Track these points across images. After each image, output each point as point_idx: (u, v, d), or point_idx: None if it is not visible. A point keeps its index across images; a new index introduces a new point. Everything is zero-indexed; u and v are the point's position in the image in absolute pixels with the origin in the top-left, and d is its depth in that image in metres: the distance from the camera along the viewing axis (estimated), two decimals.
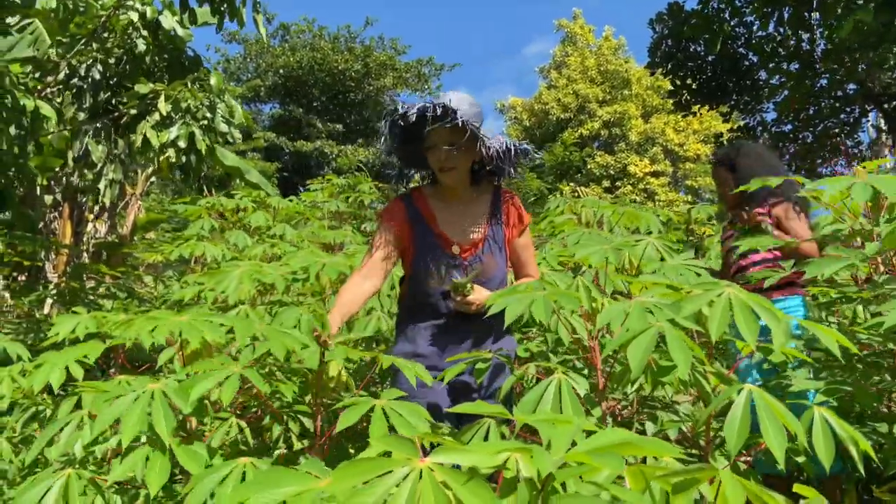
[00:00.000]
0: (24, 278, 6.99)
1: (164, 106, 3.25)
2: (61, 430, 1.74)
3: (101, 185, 3.50)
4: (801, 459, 1.76)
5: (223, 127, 3.44)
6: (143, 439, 1.65)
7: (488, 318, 2.15)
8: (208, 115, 3.39)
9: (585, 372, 2.22)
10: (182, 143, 3.26)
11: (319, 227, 6.16)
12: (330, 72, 24.94)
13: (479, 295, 2.07)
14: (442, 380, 1.97)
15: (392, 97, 26.00)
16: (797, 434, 1.38)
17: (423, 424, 1.64)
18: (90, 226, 7.42)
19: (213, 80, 3.45)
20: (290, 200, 6.12)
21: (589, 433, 1.14)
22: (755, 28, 10.01)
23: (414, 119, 2.06)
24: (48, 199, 6.99)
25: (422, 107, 2.03)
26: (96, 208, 7.28)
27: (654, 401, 2.52)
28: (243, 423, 2.36)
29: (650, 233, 3.90)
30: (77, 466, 1.80)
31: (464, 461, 0.94)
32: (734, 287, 1.57)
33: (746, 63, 10.63)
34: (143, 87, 3.29)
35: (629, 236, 4.32)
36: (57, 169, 6.74)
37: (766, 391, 1.41)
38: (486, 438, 1.68)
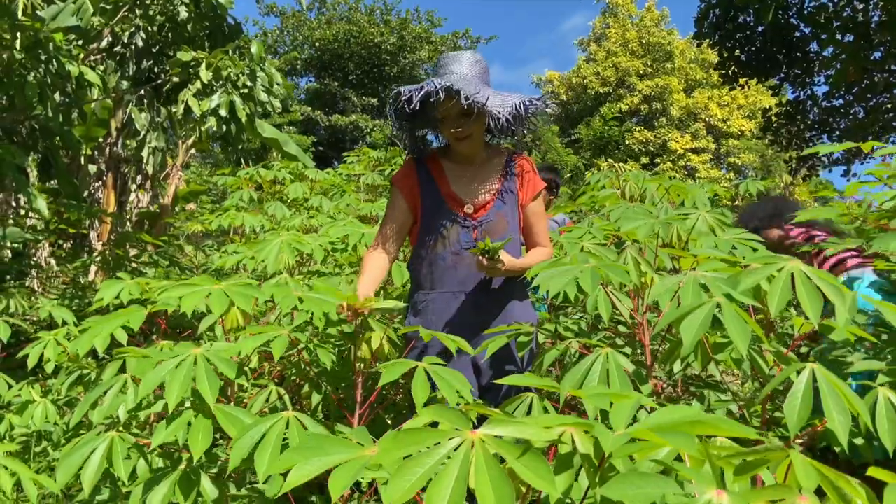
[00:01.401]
0: (69, 246, 7.14)
1: (205, 74, 3.23)
2: (105, 393, 1.75)
3: (144, 154, 3.51)
4: (858, 441, 1.69)
5: (263, 96, 3.42)
6: (186, 404, 1.65)
7: (502, 288, 2.13)
8: (249, 83, 3.36)
9: (627, 351, 2.17)
10: (223, 112, 3.24)
11: (356, 199, 6.15)
12: (365, 45, 24.83)
13: (505, 259, 1.98)
14: (460, 352, 1.93)
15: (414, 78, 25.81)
16: (860, 414, 1.31)
17: (466, 390, 1.61)
18: (133, 195, 7.53)
19: (253, 49, 3.42)
20: (328, 172, 6.12)
21: (651, 410, 1.09)
22: None
23: (418, 105, 2.03)
24: (92, 168, 7.11)
25: (426, 91, 1.96)
26: (139, 178, 7.37)
27: (700, 381, 2.46)
28: (282, 391, 2.36)
29: (696, 208, 3.79)
30: (121, 430, 1.82)
31: (519, 434, 0.91)
32: (797, 261, 1.50)
33: (798, 34, 10.24)
34: (184, 55, 3.28)
35: (673, 212, 4.21)
36: (101, 139, 6.84)
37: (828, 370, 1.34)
38: (528, 413, 1.64)
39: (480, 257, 1.94)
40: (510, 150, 2.25)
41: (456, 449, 0.88)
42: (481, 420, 1.84)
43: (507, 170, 2.19)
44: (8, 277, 5.94)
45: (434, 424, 1.02)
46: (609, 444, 0.79)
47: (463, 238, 2.09)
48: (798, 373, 1.36)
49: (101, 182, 6.93)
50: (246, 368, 2.14)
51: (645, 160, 27.61)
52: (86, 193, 6.93)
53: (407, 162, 2.23)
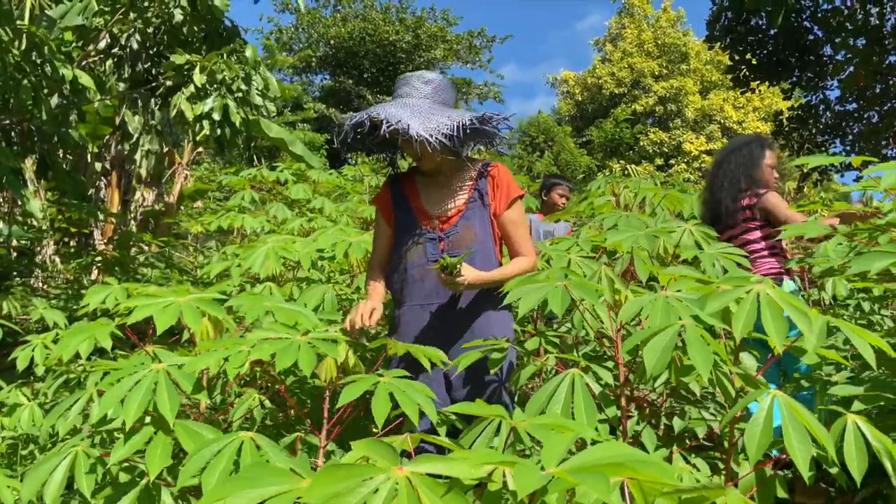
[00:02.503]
0: (74, 243, 7.20)
1: (199, 77, 3.23)
2: (71, 406, 1.75)
3: (137, 157, 3.52)
4: (833, 470, 1.65)
5: (258, 100, 3.42)
6: (149, 419, 1.64)
7: (474, 300, 2.10)
8: (243, 87, 3.36)
9: (609, 365, 2.14)
10: (216, 116, 3.24)
11: (359, 201, 6.14)
12: (380, 43, 24.84)
13: (468, 273, 1.96)
14: (433, 365, 1.93)
15: (439, 68, 25.76)
16: (825, 445, 1.28)
17: (429, 405, 1.59)
18: (138, 194, 7.57)
19: (248, 53, 3.41)
20: (331, 174, 6.11)
21: (594, 442, 1.07)
22: (821, 0, 9.51)
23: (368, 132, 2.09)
24: (98, 166, 7.15)
25: (356, 122, 2.04)
26: (145, 176, 7.41)
27: (688, 392, 2.42)
28: (265, 399, 2.35)
29: (693, 217, 3.75)
30: (93, 443, 1.82)
31: (447, 471, 0.89)
32: (766, 283, 1.46)
33: (810, 38, 10.11)
34: (178, 58, 3.28)
35: (671, 221, 4.17)
36: (108, 136, 6.89)
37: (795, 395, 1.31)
38: (497, 433, 1.62)
39: (441, 273, 1.93)
40: (485, 160, 2.23)
41: (382, 486, 0.86)
42: (455, 433, 1.83)
43: (479, 180, 2.17)
44: (14, 274, 5.99)
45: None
46: (529, 485, 0.77)
47: (430, 251, 2.08)
48: (759, 399, 1.33)
49: (106, 180, 6.98)
50: (219, 381, 2.13)
51: (659, 161, 27.42)
52: (91, 191, 6.98)
53: (384, 182, 2.30)
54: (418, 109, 2.02)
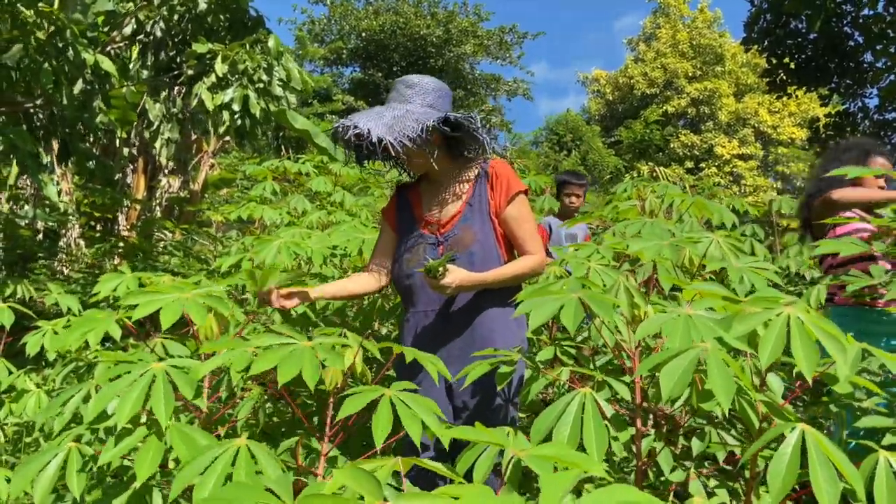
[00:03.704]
0: (100, 227, 7.25)
1: (220, 67, 3.19)
2: (68, 400, 1.71)
3: (157, 145, 3.50)
4: None
5: (279, 91, 3.37)
6: (144, 418, 1.59)
7: (474, 301, 2.04)
8: (265, 78, 3.31)
9: (627, 379, 2.04)
10: (236, 107, 3.19)
11: (380, 195, 6.09)
12: (411, 36, 24.79)
13: (455, 276, 1.90)
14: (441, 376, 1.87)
15: (468, 58, 25.66)
16: (853, 484, 1.19)
17: (433, 421, 1.51)
18: (164, 180, 7.60)
19: (270, 43, 3.36)
20: (352, 167, 6.06)
21: (601, 481, 0.99)
22: (863, 5, 9.23)
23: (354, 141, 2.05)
24: (126, 151, 7.18)
25: (337, 132, 2.01)
26: (170, 164, 7.43)
27: (704, 414, 2.32)
28: (267, 394, 2.30)
29: (722, 226, 3.63)
30: (92, 439, 1.78)
31: None
32: (797, 305, 1.36)
33: (851, 43, 9.84)
34: (200, 47, 3.24)
35: (698, 229, 4.04)
36: (136, 123, 6.91)
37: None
38: (501, 454, 1.55)
39: (426, 277, 1.88)
40: (485, 159, 2.15)
41: None
42: (456, 444, 1.76)
43: (478, 180, 2.11)
44: (39, 256, 6.04)
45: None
46: None
47: (430, 255, 2.02)
48: (787, 432, 1.23)
49: (132, 166, 7.00)
50: (224, 376, 2.08)
51: (689, 165, 27.04)
52: (118, 176, 7.01)
53: (393, 193, 2.30)
54: (391, 114, 2.00)
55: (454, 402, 2.03)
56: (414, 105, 2.04)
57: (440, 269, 1.87)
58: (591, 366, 2.20)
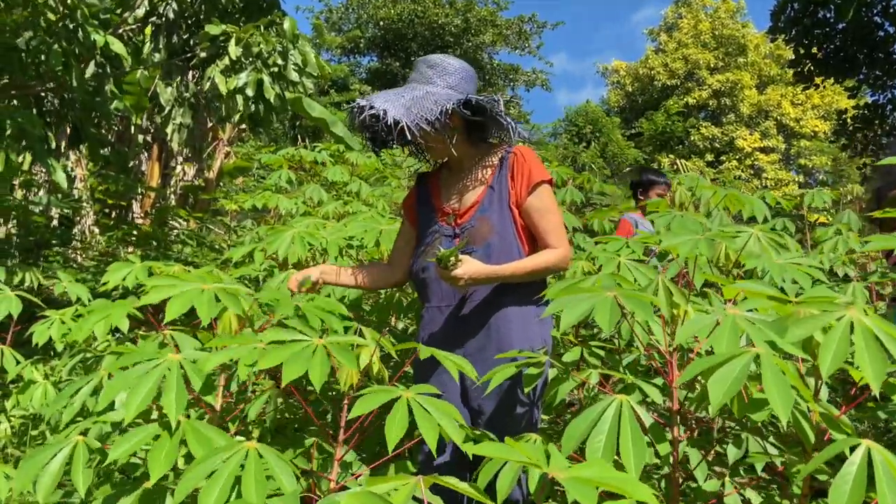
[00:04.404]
0: (115, 214, 7.20)
1: (234, 50, 3.08)
2: (77, 391, 1.62)
3: (169, 130, 3.40)
4: None
5: (294, 76, 3.25)
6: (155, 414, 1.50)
7: (491, 296, 1.92)
8: (280, 62, 3.20)
9: (658, 382, 1.92)
10: (250, 92, 3.09)
11: (397, 186, 5.98)
12: (429, 25, 24.60)
13: (468, 268, 1.78)
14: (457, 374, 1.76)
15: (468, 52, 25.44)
16: None
17: (451, 426, 1.40)
18: (179, 168, 7.53)
19: (286, 25, 3.24)
20: (369, 157, 5.95)
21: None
22: None
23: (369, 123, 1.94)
24: (140, 138, 7.12)
25: (367, 118, 1.89)
26: (185, 151, 7.36)
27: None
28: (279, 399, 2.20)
29: (753, 219, 3.48)
30: (102, 433, 1.69)
31: None
32: (860, 308, 1.23)
33: (881, 34, 9.56)
34: (214, 28, 3.13)
35: (728, 223, 3.89)
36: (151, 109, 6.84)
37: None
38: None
39: (437, 268, 1.78)
40: (507, 146, 2.02)
41: None
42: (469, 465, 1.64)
43: (499, 168, 1.98)
44: (54, 243, 5.99)
45: None
46: None
47: (445, 247, 1.89)
48: (851, 450, 1.11)
49: (147, 153, 6.94)
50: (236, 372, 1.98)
51: (710, 157, 26.67)
52: (133, 163, 6.95)
53: (414, 185, 2.19)
54: (410, 94, 1.88)
55: (470, 403, 1.91)
56: (435, 86, 1.92)
57: (452, 258, 1.75)
58: (620, 367, 2.08)
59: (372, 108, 1.84)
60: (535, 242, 1.99)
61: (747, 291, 1.51)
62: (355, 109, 1.89)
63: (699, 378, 1.39)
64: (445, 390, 1.90)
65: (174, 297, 1.62)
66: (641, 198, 4.47)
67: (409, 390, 1.47)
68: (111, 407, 1.49)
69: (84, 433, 1.58)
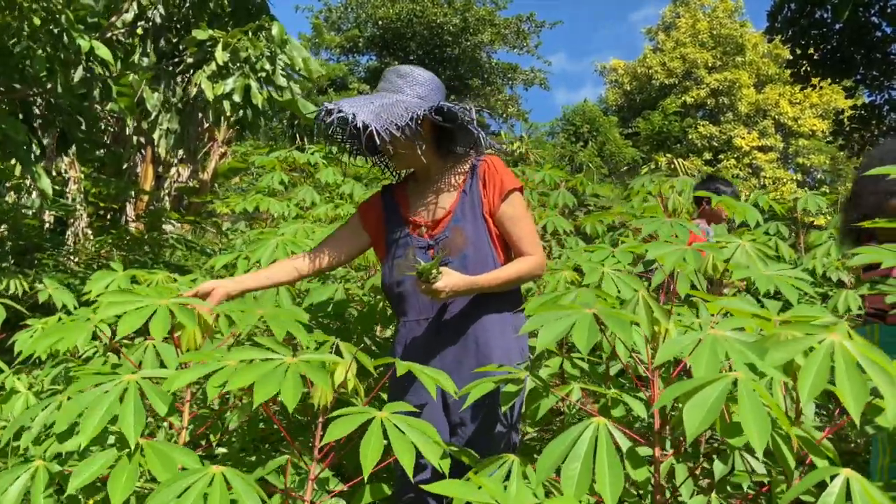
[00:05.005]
0: (110, 217, 7.17)
1: (221, 55, 3.04)
2: (35, 416, 1.59)
3: (156, 136, 3.36)
4: None
5: (282, 81, 3.22)
6: (111, 439, 1.46)
7: (469, 307, 1.89)
8: (268, 66, 3.17)
9: (643, 396, 1.89)
10: (237, 97, 3.06)
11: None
12: (428, 25, 24.56)
13: (449, 280, 1.75)
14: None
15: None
16: None
17: (429, 447, 1.38)
18: (173, 170, 7.50)
19: (274, 30, 3.21)
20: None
21: None
22: None
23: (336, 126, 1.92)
24: (135, 140, 7.09)
25: (335, 122, 1.85)
26: (179, 153, 7.33)
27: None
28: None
29: (745, 224, 3.45)
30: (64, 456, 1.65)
31: None
32: (842, 331, 1.20)
33: (878, 34, 9.54)
34: (201, 34, 3.09)
35: (721, 228, 3.86)
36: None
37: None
38: (507, 478, 1.40)
39: (418, 281, 1.74)
40: (476, 155, 1.99)
41: None
42: (456, 463, 1.62)
43: (469, 177, 1.95)
44: (48, 247, 5.96)
45: None
46: None
47: (421, 259, 1.86)
48: (831, 478, 1.08)
49: (141, 155, 6.90)
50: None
51: (708, 156, 26.65)
52: (127, 165, 6.91)
53: (376, 193, 2.13)
54: (380, 101, 1.85)
55: (451, 417, 1.89)
56: (404, 95, 1.89)
57: (433, 271, 1.72)
58: (606, 377, 2.05)
59: (340, 111, 1.81)
60: (509, 250, 1.99)
61: (732, 309, 1.48)
62: (322, 113, 1.85)
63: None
64: (426, 402, 1.87)
65: (128, 313, 1.58)
66: (707, 207, 4.09)
67: (383, 410, 1.45)
68: (71, 430, 1.45)
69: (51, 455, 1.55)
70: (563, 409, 2.12)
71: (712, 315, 1.69)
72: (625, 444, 1.31)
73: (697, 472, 1.96)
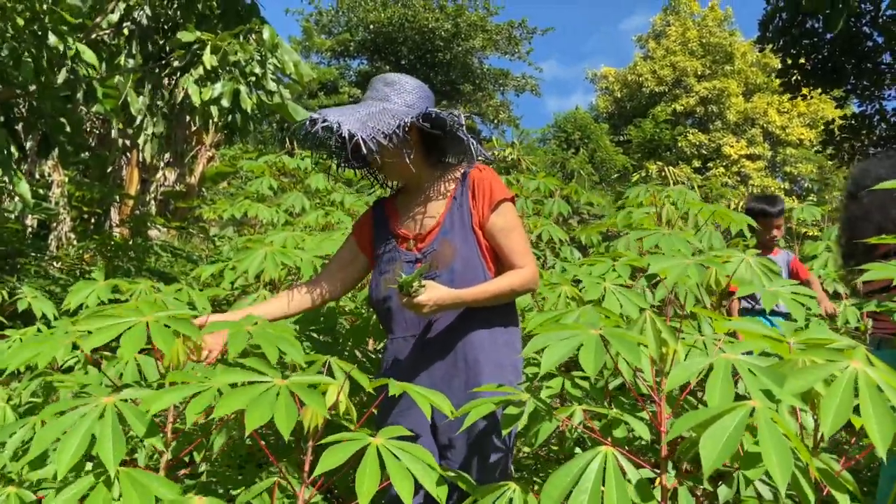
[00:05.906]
0: (94, 220, 7.04)
1: (209, 58, 2.96)
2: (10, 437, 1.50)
3: (140, 141, 3.27)
4: None
5: (272, 85, 3.14)
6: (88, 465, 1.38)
7: (458, 322, 1.82)
8: (258, 70, 3.09)
9: (645, 416, 1.82)
10: (225, 102, 2.97)
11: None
12: (420, 30, 24.52)
13: (432, 294, 1.68)
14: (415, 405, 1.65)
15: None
16: None
17: (427, 475, 1.30)
18: (160, 173, 7.38)
19: (265, 34, 3.13)
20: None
21: None
22: (884, 6, 8.96)
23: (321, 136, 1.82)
24: (120, 143, 6.97)
25: (319, 132, 1.77)
26: (166, 156, 7.21)
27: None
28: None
29: (741, 235, 3.40)
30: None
31: None
32: (862, 357, 1.14)
33: (869, 44, 9.57)
34: (187, 35, 3.00)
35: (717, 238, 3.80)
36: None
37: None
38: None
39: (399, 295, 1.68)
40: (465, 166, 1.92)
41: None
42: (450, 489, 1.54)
43: (458, 189, 1.88)
44: (31, 253, 5.83)
45: None
46: None
47: (407, 273, 1.78)
48: None
49: (126, 158, 6.79)
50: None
51: (697, 164, 26.73)
52: (112, 169, 6.79)
53: (368, 209, 2.08)
54: (366, 110, 1.79)
55: (438, 438, 1.81)
56: (391, 103, 1.83)
57: (415, 284, 1.65)
58: (604, 393, 1.98)
59: (325, 120, 1.73)
60: (500, 263, 1.90)
61: (742, 332, 1.41)
62: (307, 123, 1.78)
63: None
64: (414, 425, 1.79)
65: (126, 336, 1.50)
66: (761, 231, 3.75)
67: (378, 435, 1.37)
68: (44, 457, 1.36)
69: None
70: (564, 428, 2.04)
71: (718, 335, 1.62)
72: (633, 473, 1.24)
73: (699, 493, 1.89)
